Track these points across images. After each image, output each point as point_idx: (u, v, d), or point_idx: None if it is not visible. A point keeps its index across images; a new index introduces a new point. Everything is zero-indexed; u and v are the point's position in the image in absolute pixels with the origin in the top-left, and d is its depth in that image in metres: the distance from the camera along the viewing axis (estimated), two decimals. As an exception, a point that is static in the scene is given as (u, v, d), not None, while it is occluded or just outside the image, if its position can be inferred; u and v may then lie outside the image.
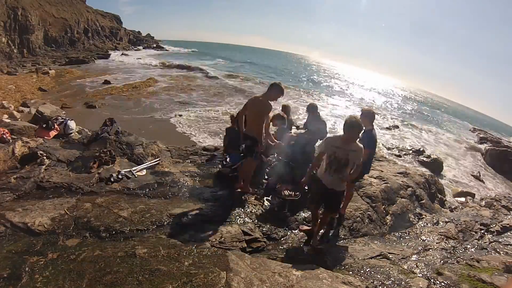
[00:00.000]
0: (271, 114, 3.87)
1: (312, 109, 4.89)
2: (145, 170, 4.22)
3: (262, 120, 3.51)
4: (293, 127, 5.38)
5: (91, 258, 2.12)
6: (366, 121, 3.54)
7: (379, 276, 2.64)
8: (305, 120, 5.20)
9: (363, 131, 3.65)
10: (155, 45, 55.53)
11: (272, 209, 3.77)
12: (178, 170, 4.41)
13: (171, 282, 1.93)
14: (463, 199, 8.54)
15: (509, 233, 4.29)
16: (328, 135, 3.87)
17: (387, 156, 7.83)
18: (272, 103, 3.51)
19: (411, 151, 12.50)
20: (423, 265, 3.13)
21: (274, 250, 3.04)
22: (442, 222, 4.57)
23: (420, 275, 2.86)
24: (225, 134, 4.91)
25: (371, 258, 3.09)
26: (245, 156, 3.78)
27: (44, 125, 5.32)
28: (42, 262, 2.05)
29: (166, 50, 53.59)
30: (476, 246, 3.83)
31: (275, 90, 3.50)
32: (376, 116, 3.78)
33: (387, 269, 2.79)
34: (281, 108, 5.08)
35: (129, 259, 2.15)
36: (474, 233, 4.39)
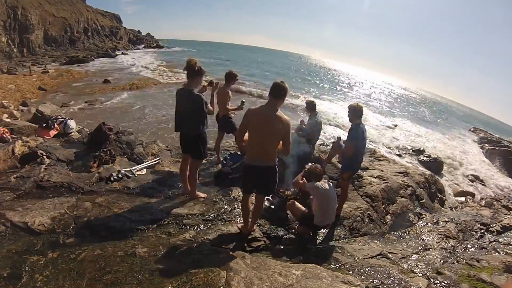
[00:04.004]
0: None
1: (310, 108, 4.88)
2: (145, 170, 4.22)
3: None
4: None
5: (91, 257, 2.12)
6: (353, 116, 3.64)
7: (379, 276, 2.64)
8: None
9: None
10: (154, 44, 55.51)
11: (272, 209, 3.78)
12: (178, 170, 4.41)
13: (171, 282, 1.93)
14: (463, 198, 8.53)
15: (509, 233, 4.29)
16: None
17: (387, 156, 7.82)
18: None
19: (411, 151, 12.50)
20: (423, 264, 3.14)
21: (274, 250, 3.04)
22: (442, 221, 4.58)
23: (420, 274, 2.86)
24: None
25: (371, 257, 3.09)
26: None
27: (44, 125, 5.30)
28: (42, 262, 2.05)
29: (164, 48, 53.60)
30: (476, 246, 3.84)
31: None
32: (364, 111, 3.76)
33: (387, 268, 2.79)
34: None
35: (129, 259, 2.15)
36: (474, 232, 4.39)
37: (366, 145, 4.10)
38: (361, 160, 3.93)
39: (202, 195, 3.56)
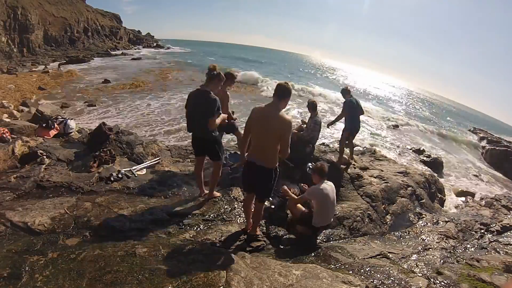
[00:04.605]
0: None
1: (311, 108, 4.88)
2: (145, 169, 4.22)
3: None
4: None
5: (91, 257, 2.12)
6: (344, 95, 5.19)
7: (379, 276, 2.64)
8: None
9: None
10: (154, 44, 55.48)
11: (272, 209, 3.78)
12: (178, 169, 4.41)
13: (171, 281, 1.92)
14: (463, 198, 8.54)
15: (509, 233, 4.30)
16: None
17: (387, 156, 7.82)
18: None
19: (411, 151, 12.50)
20: (423, 264, 3.14)
21: (274, 250, 3.04)
22: (442, 221, 4.58)
23: (420, 274, 2.86)
24: None
25: (371, 257, 3.09)
26: None
27: (44, 125, 5.31)
28: (42, 262, 2.04)
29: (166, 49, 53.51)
30: (476, 246, 3.84)
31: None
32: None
33: (387, 268, 2.79)
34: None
35: (129, 259, 2.14)
36: (474, 232, 4.40)
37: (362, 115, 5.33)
38: (357, 125, 5.29)
39: (217, 194, 3.62)
